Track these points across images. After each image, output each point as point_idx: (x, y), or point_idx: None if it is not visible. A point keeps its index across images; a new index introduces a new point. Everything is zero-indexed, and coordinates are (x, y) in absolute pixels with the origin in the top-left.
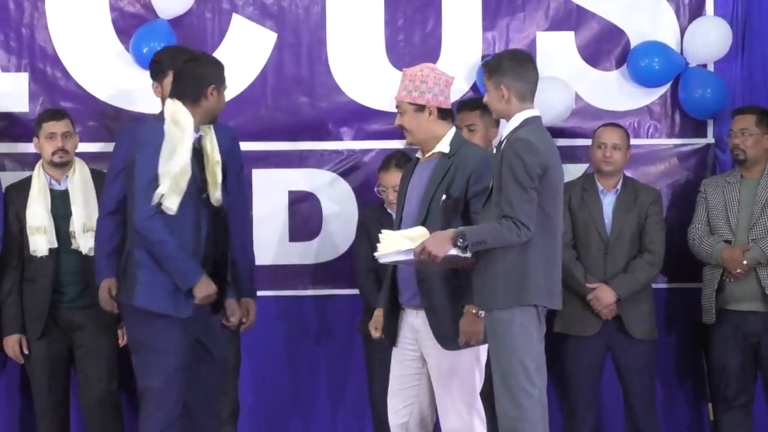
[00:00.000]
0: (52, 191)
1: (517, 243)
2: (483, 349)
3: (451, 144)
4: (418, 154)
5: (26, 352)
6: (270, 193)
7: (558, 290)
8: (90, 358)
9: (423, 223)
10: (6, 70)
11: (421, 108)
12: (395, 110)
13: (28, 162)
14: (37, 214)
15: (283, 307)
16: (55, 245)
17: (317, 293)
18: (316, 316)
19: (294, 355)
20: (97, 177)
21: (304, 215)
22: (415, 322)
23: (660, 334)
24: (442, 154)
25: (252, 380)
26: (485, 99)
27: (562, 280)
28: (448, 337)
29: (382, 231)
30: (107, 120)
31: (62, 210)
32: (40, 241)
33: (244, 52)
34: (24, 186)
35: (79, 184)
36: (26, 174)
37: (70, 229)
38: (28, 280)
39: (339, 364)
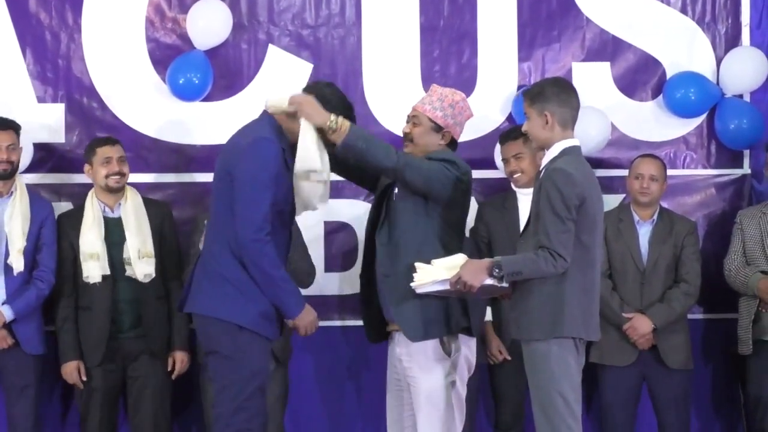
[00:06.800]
0: (105, 218)
1: (553, 274)
2: (461, 383)
3: None
4: None
5: (84, 378)
6: (306, 223)
7: (596, 321)
8: (145, 387)
9: (384, 221)
10: (42, 101)
11: (438, 128)
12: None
13: (63, 192)
14: (91, 241)
15: (318, 338)
16: (108, 272)
17: (351, 324)
18: (351, 346)
19: (331, 387)
20: (149, 205)
21: (339, 246)
22: (396, 350)
23: (696, 364)
24: None
25: (289, 411)
26: (525, 127)
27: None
28: (412, 326)
29: (416, 263)
30: (143, 150)
31: (116, 237)
32: (93, 267)
33: (280, 82)
34: (76, 214)
35: (132, 211)
36: (61, 204)
37: (124, 255)
38: (83, 308)
39: (377, 395)
